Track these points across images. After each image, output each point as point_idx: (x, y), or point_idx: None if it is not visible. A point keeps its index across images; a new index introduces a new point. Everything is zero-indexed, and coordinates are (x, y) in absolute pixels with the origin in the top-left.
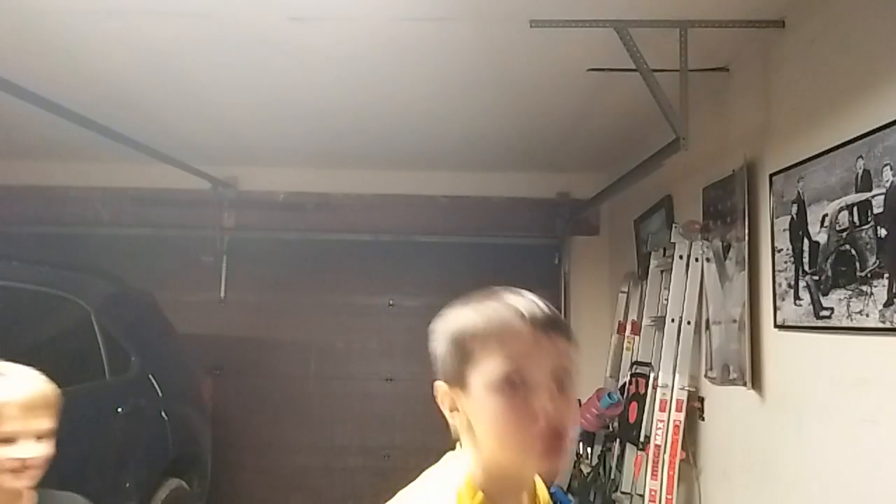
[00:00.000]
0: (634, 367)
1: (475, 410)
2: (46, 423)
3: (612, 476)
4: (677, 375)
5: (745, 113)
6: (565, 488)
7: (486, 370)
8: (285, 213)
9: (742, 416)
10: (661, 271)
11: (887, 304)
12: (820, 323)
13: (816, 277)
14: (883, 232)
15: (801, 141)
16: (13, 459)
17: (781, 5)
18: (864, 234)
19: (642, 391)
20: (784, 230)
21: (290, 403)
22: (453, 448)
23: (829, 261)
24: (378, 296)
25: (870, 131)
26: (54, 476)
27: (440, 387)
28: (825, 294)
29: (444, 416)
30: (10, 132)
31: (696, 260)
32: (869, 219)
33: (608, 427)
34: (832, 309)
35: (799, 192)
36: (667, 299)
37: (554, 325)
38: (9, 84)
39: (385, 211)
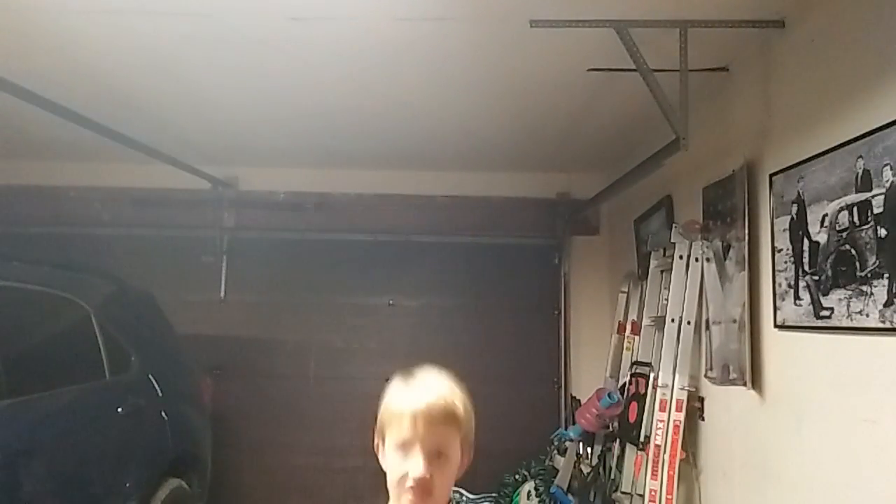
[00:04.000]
0: (634, 367)
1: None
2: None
3: (612, 476)
4: (677, 375)
5: (745, 113)
6: (565, 488)
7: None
8: (285, 213)
9: (742, 416)
10: (661, 271)
11: (887, 304)
12: (820, 323)
13: (816, 277)
14: (883, 232)
15: (801, 141)
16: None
17: (781, 5)
18: (864, 234)
19: (642, 391)
20: (784, 230)
21: (290, 403)
22: None
23: (829, 261)
24: (378, 296)
25: (870, 131)
26: (54, 476)
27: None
28: (825, 294)
29: None
30: (10, 132)
31: (696, 260)
32: (869, 219)
33: (608, 427)
34: (832, 309)
35: (799, 192)
36: (667, 299)
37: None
38: (9, 84)
39: (385, 211)
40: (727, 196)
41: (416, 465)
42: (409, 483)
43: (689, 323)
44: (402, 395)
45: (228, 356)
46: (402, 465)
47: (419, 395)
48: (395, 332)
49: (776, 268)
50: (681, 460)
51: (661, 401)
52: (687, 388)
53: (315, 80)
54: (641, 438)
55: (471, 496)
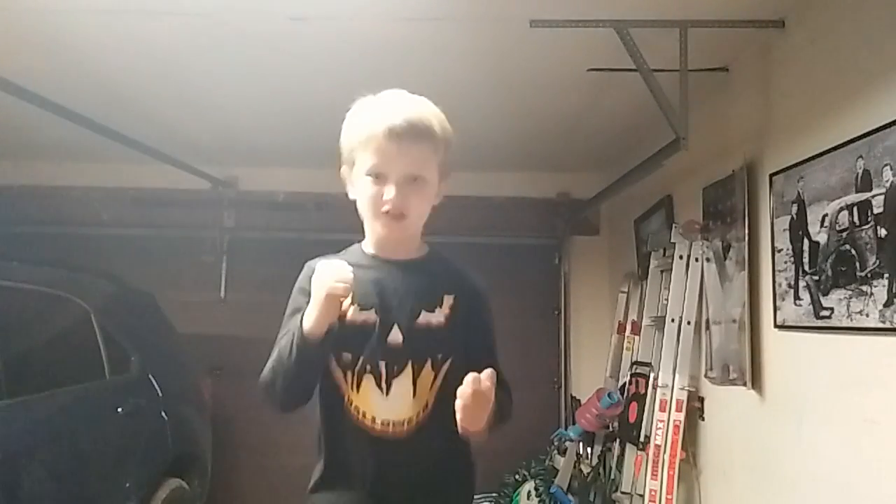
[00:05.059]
0: (634, 367)
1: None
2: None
3: (612, 476)
4: (677, 375)
5: (745, 113)
6: (565, 488)
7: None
8: (285, 213)
9: (742, 416)
10: (661, 271)
11: (887, 304)
12: (820, 323)
13: (816, 277)
14: (883, 232)
15: (801, 141)
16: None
17: (781, 5)
18: (864, 234)
19: (642, 391)
20: (784, 230)
21: None
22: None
23: (829, 261)
24: None
25: (870, 131)
26: (54, 476)
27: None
28: (825, 294)
29: None
30: (11, 132)
31: (696, 260)
32: (869, 219)
33: (608, 427)
34: (832, 309)
35: (799, 192)
36: (667, 299)
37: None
38: (9, 84)
39: None
40: (727, 196)
41: (389, 189)
42: (385, 207)
43: (689, 323)
44: (371, 112)
45: (228, 356)
46: (374, 188)
47: (390, 111)
48: None
49: (776, 268)
50: (681, 460)
51: (661, 401)
52: (687, 388)
53: (315, 80)
54: (641, 438)
55: None
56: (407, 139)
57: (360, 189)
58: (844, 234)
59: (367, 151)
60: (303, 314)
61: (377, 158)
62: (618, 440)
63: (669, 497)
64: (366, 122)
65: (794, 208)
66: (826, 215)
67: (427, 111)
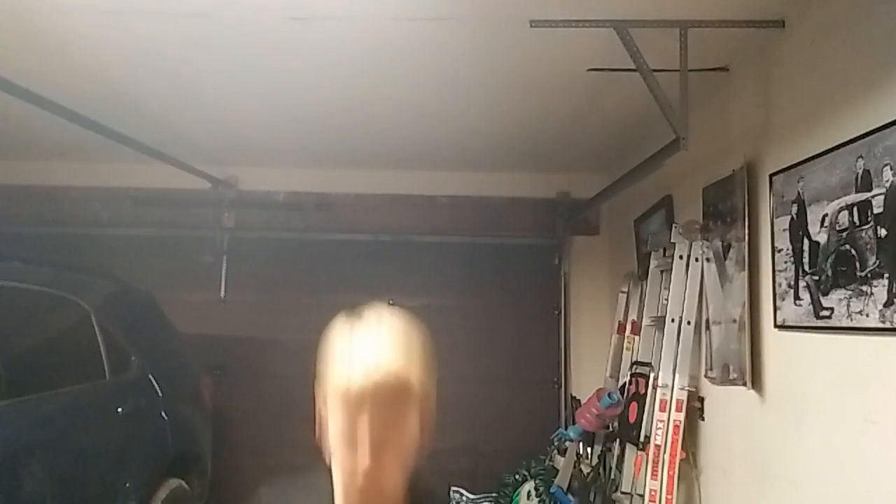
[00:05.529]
0: (634, 367)
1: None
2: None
3: (612, 476)
4: (677, 375)
5: (745, 113)
6: (565, 488)
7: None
8: (285, 213)
9: (742, 416)
10: (661, 271)
11: (887, 304)
12: (820, 323)
13: (816, 277)
14: (883, 232)
15: (801, 141)
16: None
17: (781, 5)
18: (864, 234)
19: (642, 391)
20: (784, 230)
21: (290, 403)
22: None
23: (829, 261)
24: (378, 296)
25: (870, 131)
26: (54, 476)
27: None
28: (825, 294)
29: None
30: (11, 132)
31: (696, 260)
32: (869, 219)
33: (608, 427)
34: (832, 309)
35: (799, 192)
36: (667, 299)
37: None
38: (9, 84)
39: (385, 211)
40: (727, 196)
41: (363, 455)
42: (359, 479)
43: (689, 323)
44: (347, 361)
45: (228, 356)
46: (349, 444)
47: (366, 364)
48: None
49: (776, 268)
50: (681, 460)
51: (661, 401)
52: (687, 388)
53: (315, 80)
54: (641, 438)
55: (471, 496)
56: (384, 400)
57: (334, 427)
58: (844, 234)
59: (342, 400)
60: None
61: (352, 409)
62: (618, 440)
63: (669, 497)
64: (341, 370)
65: (794, 208)
66: (826, 215)
67: (406, 358)
